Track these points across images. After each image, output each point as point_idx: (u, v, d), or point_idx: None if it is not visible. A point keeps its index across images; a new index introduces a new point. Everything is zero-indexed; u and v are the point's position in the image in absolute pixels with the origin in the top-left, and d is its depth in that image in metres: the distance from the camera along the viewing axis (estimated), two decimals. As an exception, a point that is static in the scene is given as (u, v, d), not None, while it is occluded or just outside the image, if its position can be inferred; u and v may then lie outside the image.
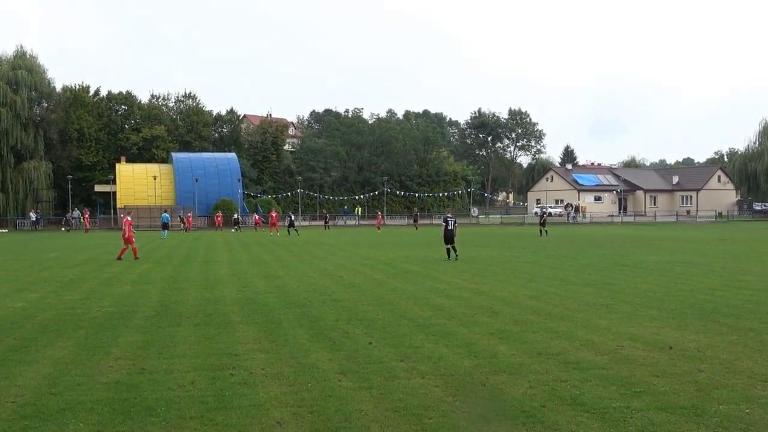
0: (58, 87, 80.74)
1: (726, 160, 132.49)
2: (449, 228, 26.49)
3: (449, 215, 27.70)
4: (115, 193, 71.62)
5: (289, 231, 48.99)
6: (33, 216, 67.37)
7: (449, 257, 26.21)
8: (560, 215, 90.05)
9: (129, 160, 78.18)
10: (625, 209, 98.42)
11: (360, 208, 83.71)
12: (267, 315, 13.32)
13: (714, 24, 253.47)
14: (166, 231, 47.97)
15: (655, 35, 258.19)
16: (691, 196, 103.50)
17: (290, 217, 52.14)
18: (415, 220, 63.87)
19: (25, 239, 47.47)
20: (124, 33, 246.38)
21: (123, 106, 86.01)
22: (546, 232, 45.03)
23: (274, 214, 52.05)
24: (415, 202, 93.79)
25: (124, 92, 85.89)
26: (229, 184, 73.35)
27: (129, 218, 28.55)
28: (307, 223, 73.48)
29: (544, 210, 53.78)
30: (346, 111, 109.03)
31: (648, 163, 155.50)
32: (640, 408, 7.34)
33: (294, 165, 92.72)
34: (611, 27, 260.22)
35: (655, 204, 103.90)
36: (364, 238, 44.44)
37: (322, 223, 63.57)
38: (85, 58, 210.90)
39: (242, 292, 16.78)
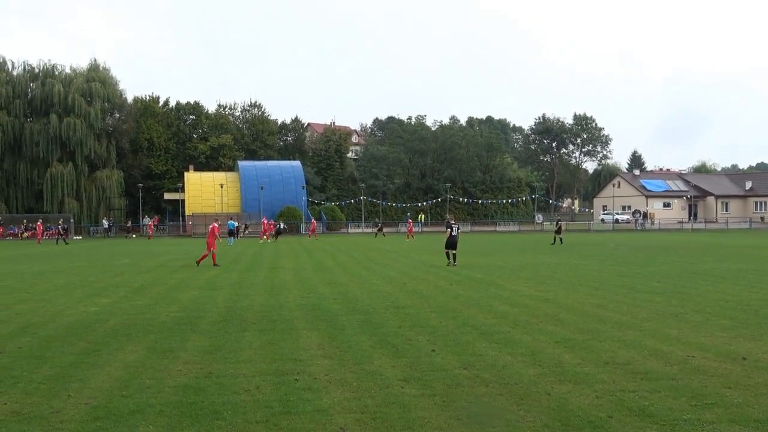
0: (129, 98, 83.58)
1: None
2: (453, 234, 26.87)
3: (453, 221, 27.94)
4: (183, 200, 73.34)
5: (276, 238, 53.35)
6: (105, 223, 69.64)
7: (450, 262, 26.38)
8: (628, 222, 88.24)
9: (197, 169, 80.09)
10: (695, 216, 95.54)
11: (423, 215, 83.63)
12: (330, 321, 13.41)
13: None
14: (232, 238, 48.86)
15: (720, 38, 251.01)
16: (765, 202, 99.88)
17: (278, 225, 58.15)
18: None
19: (98, 245, 49.06)
20: (191, 45, 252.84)
21: (191, 116, 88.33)
22: (561, 240, 43.37)
23: (265, 221, 57.40)
24: (479, 208, 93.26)
25: (192, 102, 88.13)
26: (294, 192, 74.30)
27: (216, 225, 28.82)
28: (369, 230, 73.89)
29: (560, 219, 52.93)
30: (409, 118, 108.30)
31: (719, 169, 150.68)
32: (712, 420, 7.12)
33: (357, 172, 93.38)
34: (677, 26, 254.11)
35: (726, 210, 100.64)
36: (427, 244, 44.34)
37: (376, 229, 63.85)
38: (155, 69, 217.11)
39: (306, 298, 16.94)
